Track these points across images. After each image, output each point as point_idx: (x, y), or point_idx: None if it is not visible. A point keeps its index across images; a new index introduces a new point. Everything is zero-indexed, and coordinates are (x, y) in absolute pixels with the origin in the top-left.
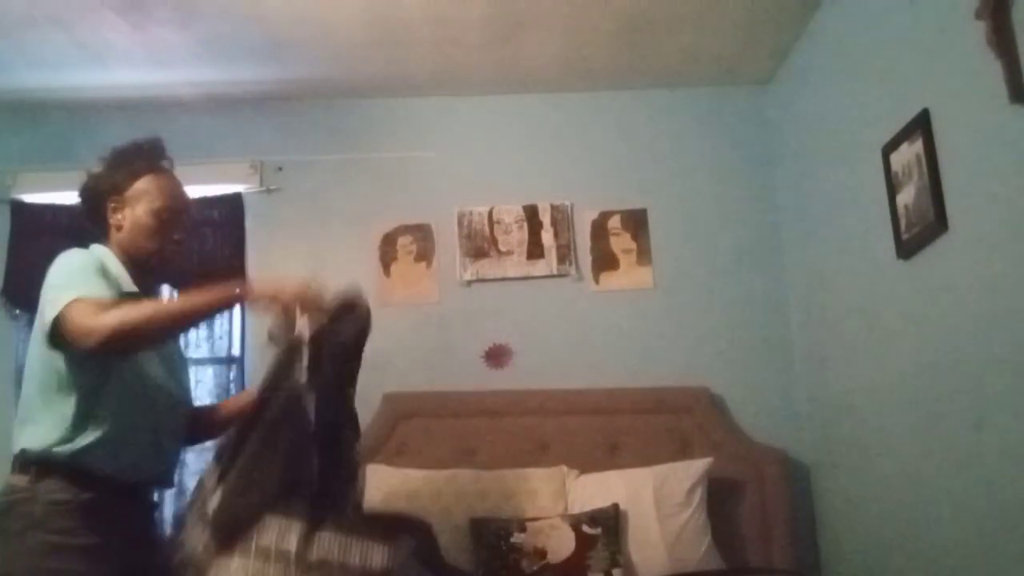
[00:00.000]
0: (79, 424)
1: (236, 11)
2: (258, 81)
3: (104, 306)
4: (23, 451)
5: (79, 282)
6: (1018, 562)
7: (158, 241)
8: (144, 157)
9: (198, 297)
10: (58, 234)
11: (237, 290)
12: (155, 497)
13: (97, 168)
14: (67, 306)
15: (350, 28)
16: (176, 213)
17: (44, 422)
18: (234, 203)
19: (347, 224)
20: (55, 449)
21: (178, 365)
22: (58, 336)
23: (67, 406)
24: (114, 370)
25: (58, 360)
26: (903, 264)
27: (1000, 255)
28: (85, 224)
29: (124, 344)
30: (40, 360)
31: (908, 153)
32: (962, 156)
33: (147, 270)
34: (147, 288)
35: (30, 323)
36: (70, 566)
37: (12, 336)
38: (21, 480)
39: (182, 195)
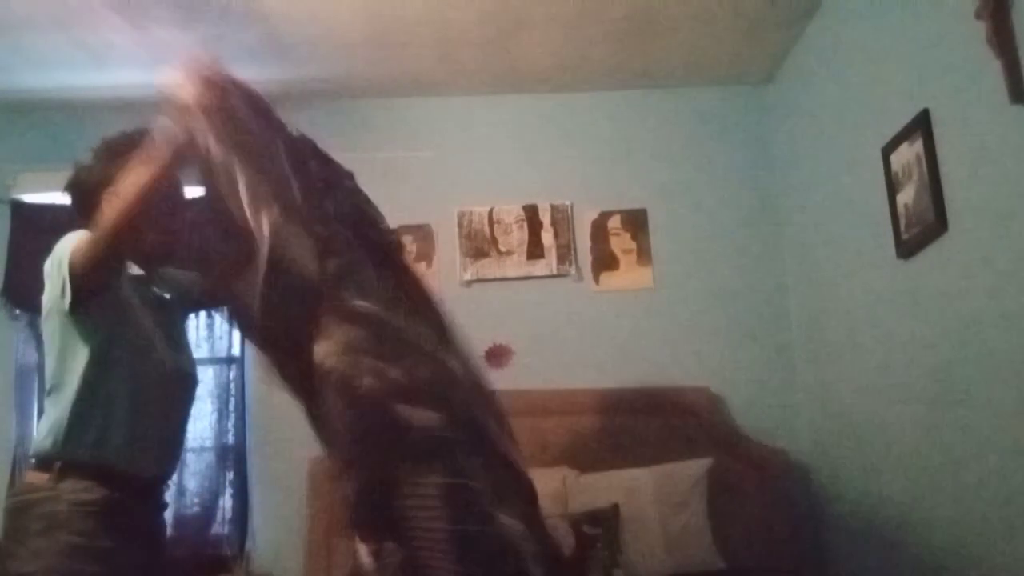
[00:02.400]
0: (93, 417)
1: (236, 11)
2: (258, 81)
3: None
4: (39, 451)
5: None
6: (1018, 561)
7: (158, 231)
8: (137, 147)
9: (142, 179)
10: (58, 234)
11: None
12: (163, 497)
13: (87, 161)
14: (67, 259)
15: (350, 28)
16: (174, 203)
17: (61, 422)
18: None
19: None
20: (74, 446)
21: (181, 340)
22: (78, 291)
23: (80, 402)
24: (123, 349)
25: (73, 340)
26: (903, 264)
27: (1000, 255)
28: (80, 218)
29: (114, 244)
30: (55, 351)
31: (908, 153)
32: (962, 156)
33: (145, 260)
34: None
35: (30, 323)
36: (90, 568)
37: (12, 336)
38: (40, 478)
39: (179, 185)
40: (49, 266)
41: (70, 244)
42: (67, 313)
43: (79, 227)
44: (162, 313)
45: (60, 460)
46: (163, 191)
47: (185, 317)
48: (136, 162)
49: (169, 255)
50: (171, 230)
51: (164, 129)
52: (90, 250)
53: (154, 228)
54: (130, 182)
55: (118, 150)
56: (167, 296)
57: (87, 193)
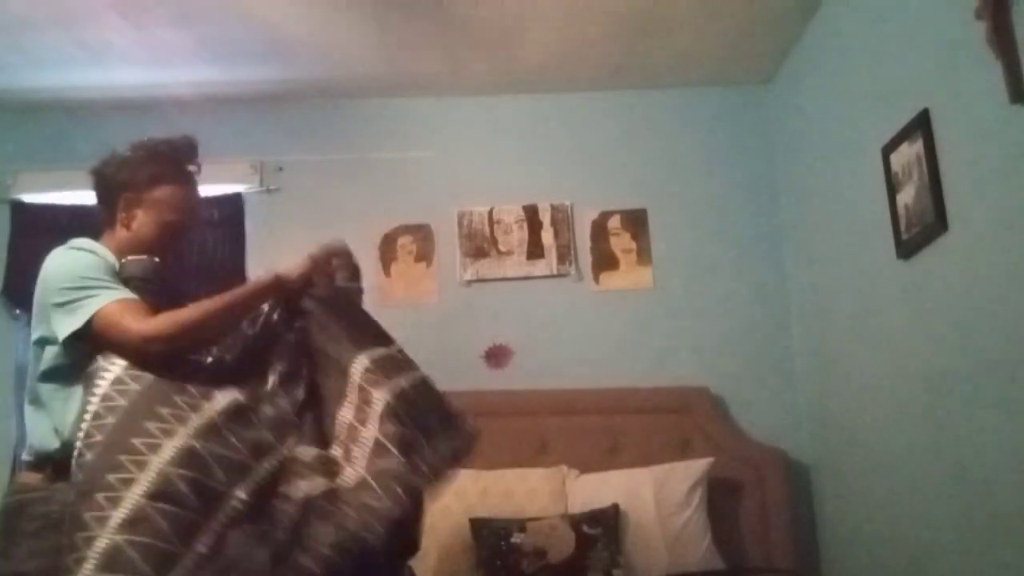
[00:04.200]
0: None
1: (236, 11)
2: (258, 81)
3: (144, 309)
4: (36, 451)
5: (103, 284)
6: (1017, 561)
7: (156, 255)
8: (174, 159)
9: (241, 292)
10: (58, 234)
11: (275, 278)
12: None
13: (122, 154)
14: (106, 308)
15: (350, 28)
16: (183, 231)
17: (53, 420)
18: (234, 203)
19: (347, 224)
20: (66, 447)
21: None
22: (93, 336)
23: (76, 401)
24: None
25: (67, 356)
26: (903, 264)
27: (1000, 255)
28: (97, 208)
29: (179, 347)
30: (47, 357)
31: (908, 153)
32: (962, 156)
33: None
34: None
35: (30, 323)
36: None
37: (12, 336)
38: (34, 478)
39: (195, 212)
40: (59, 275)
41: (106, 309)
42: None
43: (94, 219)
44: None
45: (54, 461)
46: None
47: None
48: (190, 180)
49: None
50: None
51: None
52: (125, 336)
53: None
54: (234, 297)
55: (159, 156)
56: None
57: (116, 188)
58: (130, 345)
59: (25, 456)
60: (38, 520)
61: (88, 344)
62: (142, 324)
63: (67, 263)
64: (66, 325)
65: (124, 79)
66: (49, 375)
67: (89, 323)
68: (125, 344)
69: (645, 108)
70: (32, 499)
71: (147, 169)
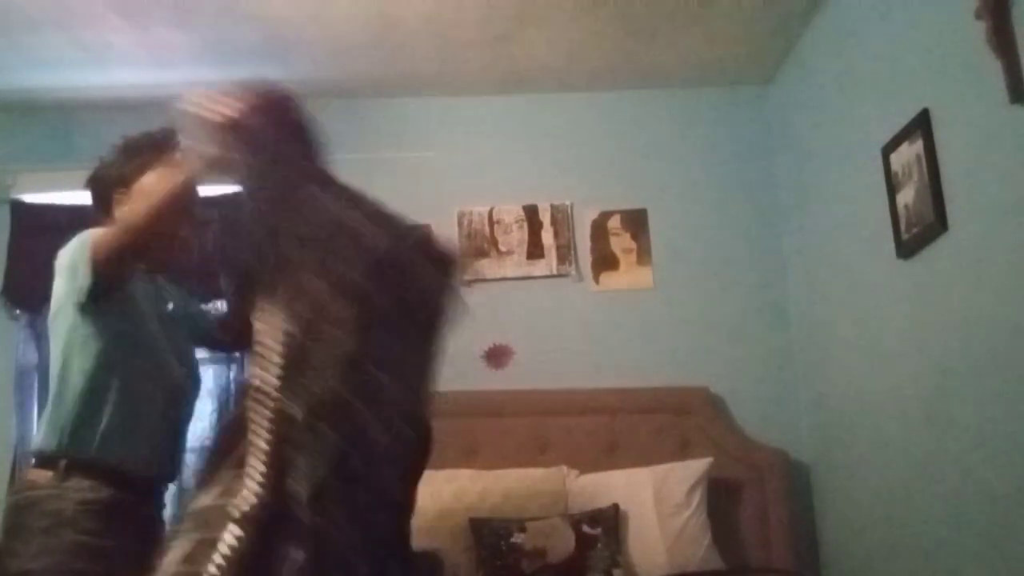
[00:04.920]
0: (95, 416)
1: (236, 11)
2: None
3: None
4: (43, 449)
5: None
6: (1017, 561)
7: (163, 238)
8: (156, 149)
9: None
10: (58, 234)
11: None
12: (163, 498)
13: (108, 157)
14: (93, 239)
15: (350, 28)
16: (183, 211)
17: (64, 420)
18: (234, 203)
19: None
20: (79, 445)
21: (186, 352)
22: (102, 270)
23: (84, 400)
24: (129, 352)
25: (82, 338)
26: (903, 264)
27: (1000, 255)
28: (94, 213)
29: (143, 232)
30: (62, 347)
31: (908, 153)
32: (962, 156)
33: (151, 265)
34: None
35: (30, 323)
36: (94, 567)
37: (12, 336)
38: (44, 476)
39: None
40: (64, 259)
41: (92, 236)
42: (81, 305)
43: (93, 224)
44: (172, 326)
45: (65, 459)
46: (189, 198)
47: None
48: (175, 164)
49: (177, 260)
50: (182, 237)
51: (203, 139)
52: (115, 241)
53: (170, 232)
54: (165, 182)
55: (141, 149)
56: (175, 311)
57: (101, 191)
58: (113, 247)
59: (37, 445)
60: (48, 517)
61: (108, 302)
62: (107, 237)
63: (74, 243)
64: (84, 277)
65: (124, 79)
66: (79, 346)
67: (96, 268)
68: (113, 249)
69: (645, 108)
70: (42, 496)
71: (132, 162)
